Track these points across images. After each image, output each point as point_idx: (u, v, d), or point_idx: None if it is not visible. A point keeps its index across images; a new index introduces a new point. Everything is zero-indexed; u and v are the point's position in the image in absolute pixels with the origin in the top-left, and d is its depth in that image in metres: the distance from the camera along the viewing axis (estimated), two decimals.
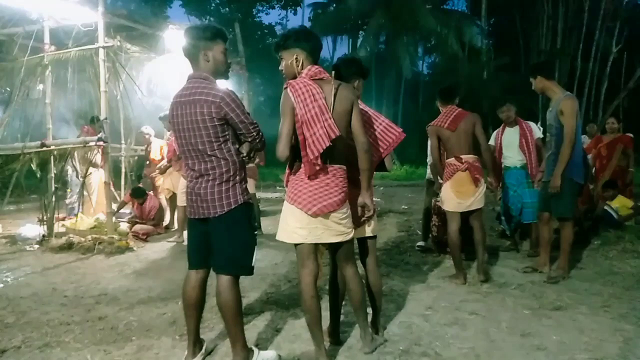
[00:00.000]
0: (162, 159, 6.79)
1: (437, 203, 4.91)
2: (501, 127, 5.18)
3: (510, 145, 5.03)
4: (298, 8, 30.06)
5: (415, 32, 21.35)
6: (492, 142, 5.14)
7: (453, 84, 5.18)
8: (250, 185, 7.06)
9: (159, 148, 6.93)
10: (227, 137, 2.43)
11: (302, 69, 2.43)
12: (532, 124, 5.23)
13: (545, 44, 20.80)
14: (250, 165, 6.24)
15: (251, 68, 11.12)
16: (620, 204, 6.00)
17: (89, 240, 5.60)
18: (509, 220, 5.16)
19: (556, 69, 20.22)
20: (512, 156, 5.02)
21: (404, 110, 23.10)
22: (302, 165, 2.41)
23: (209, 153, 2.40)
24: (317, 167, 2.36)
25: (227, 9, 28.39)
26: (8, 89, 6.83)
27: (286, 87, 2.39)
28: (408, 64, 21.27)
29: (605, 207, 5.98)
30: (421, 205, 5.94)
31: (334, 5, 26.65)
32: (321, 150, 2.31)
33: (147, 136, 7.02)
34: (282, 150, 2.37)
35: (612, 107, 20.54)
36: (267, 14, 31.09)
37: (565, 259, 4.10)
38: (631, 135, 6.75)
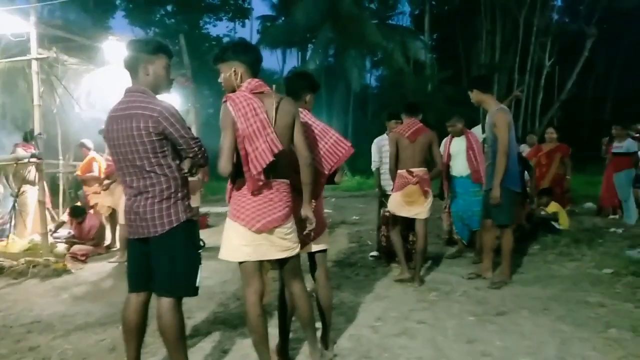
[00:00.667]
0: (89, 173, 6.54)
1: (386, 214, 4.98)
2: (449, 136, 5.36)
3: (458, 155, 5.21)
4: (246, 20, 29.95)
5: (362, 46, 21.83)
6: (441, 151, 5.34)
7: (414, 101, 5.48)
8: (193, 200, 6.87)
9: (87, 163, 6.64)
10: (166, 152, 2.33)
11: (241, 82, 2.38)
12: (475, 130, 5.47)
13: (485, 58, 21.88)
14: (193, 179, 6.09)
15: (199, 80, 10.91)
16: (552, 211, 6.35)
17: (22, 264, 5.22)
18: (463, 229, 5.33)
19: (495, 81, 21.30)
20: (459, 165, 5.21)
21: (354, 121, 23.42)
22: (245, 180, 2.35)
23: (147, 169, 2.30)
24: (260, 183, 2.32)
25: (172, 20, 27.80)
26: None
27: (225, 101, 2.33)
28: (356, 77, 21.62)
29: (542, 213, 6.30)
30: (372, 215, 6.02)
31: (283, 18, 26.77)
32: (264, 166, 2.27)
33: (84, 149, 6.70)
34: (225, 165, 2.30)
35: (547, 118, 21.86)
36: (214, 25, 30.62)
37: (507, 264, 4.26)
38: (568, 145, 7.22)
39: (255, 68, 2.43)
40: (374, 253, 5.47)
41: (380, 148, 5.19)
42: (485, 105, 4.30)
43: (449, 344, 2.96)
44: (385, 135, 5.18)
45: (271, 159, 2.26)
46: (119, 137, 2.31)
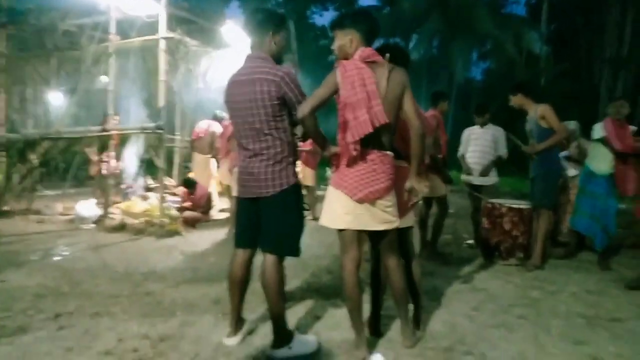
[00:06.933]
0: None
1: (488, 205, 4.76)
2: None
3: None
4: None
5: (470, 36, 20.84)
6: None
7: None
8: (309, 176, 6.92)
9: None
10: (284, 116, 2.43)
11: (355, 51, 2.38)
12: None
13: (611, 52, 19.72)
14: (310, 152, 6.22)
15: (302, 68, 11.18)
16: None
17: (141, 223, 5.83)
18: (603, 235, 4.57)
19: (620, 78, 19.12)
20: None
21: (455, 115, 22.57)
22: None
23: (265, 132, 2.41)
24: (354, 153, 2.29)
25: (282, 10, 28.89)
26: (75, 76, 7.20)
27: (337, 67, 2.35)
28: (461, 69, 20.80)
29: None
30: (467, 209, 5.83)
31: (388, 8, 26.47)
32: (361, 135, 2.25)
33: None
34: (305, 109, 2.24)
35: None
36: (320, 15, 31.23)
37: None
38: None
39: (370, 38, 2.41)
40: (470, 241, 5.33)
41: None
42: (526, 108, 4.53)
43: (552, 342, 2.76)
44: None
45: (371, 130, 2.24)
46: (241, 100, 2.43)
